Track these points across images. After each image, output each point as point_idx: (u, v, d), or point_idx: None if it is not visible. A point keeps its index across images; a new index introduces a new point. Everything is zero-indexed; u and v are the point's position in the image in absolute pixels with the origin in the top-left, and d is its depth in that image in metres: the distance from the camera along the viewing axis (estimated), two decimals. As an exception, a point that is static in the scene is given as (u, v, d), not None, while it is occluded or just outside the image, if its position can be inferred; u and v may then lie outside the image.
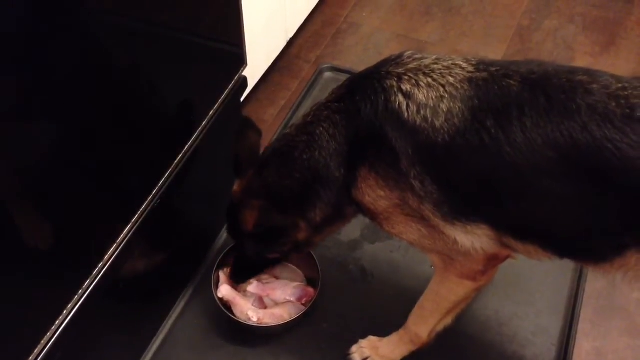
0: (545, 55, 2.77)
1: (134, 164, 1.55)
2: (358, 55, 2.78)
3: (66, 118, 1.26)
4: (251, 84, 2.24)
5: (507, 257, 1.47)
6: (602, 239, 1.27)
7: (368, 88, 1.34)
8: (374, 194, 1.37)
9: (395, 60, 1.37)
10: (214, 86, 1.77)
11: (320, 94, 2.48)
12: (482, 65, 1.31)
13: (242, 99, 2.00)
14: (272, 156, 1.49)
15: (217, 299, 1.81)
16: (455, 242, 1.36)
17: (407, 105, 1.29)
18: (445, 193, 1.30)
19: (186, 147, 1.66)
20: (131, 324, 1.75)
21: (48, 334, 1.33)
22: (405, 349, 1.72)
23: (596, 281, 1.97)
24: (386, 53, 2.73)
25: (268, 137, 2.38)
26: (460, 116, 1.25)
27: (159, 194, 1.58)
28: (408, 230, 1.41)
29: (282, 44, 2.66)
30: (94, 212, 1.44)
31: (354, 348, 1.77)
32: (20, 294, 1.27)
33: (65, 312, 1.36)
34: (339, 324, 1.86)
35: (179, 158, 1.63)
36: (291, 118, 2.38)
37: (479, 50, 2.79)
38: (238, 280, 1.80)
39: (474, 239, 1.34)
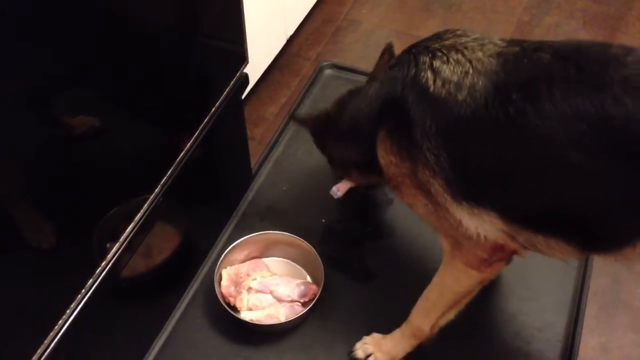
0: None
1: (135, 162, 1.55)
2: (358, 52, 2.77)
3: (65, 116, 1.25)
4: (251, 82, 2.23)
5: (514, 251, 1.45)
6: (632, 219, 1.23)
7: (405, 61, 1.40)
8: (387, 157, 1.43)
9: (439, 35, 1.41)
10: (215, 84, 1.76)
11: (320, 91, 2.47)
12: (515, 41, 1.33)
13: (242, 97, 2.00)
14: (352, 89, 1.67)
15: (220, 297, 1.80)
16: (460, 224, 1.35)
17: (434, 80, 1.31)
18: (459, 170, 1.30)
19: (188, 145, 1.65)
20: (134, 323, 1.74)
21: (51, 333, 1.32)
22: (408, 344, 1.71)
23: (601, 277, 1.97)
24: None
25: (268, 136, 2.38)
26: (483, 90, 1.25)
27: (161, 192, 1.57)
28: (416, 203, 1.44)
29: (281, 42, 2.65)
30: (96, 210, 1.43)
31: (358, 345, 1.76)
32: (22, 293, 1.27)
33: (68, 311, 1.35)
34: (342, 322, 1.85)
35: (181, 156, 1.63)
36: (292, 116, 2.37)
37: (480, 46, 2.78)
38: None
39: (478, 223, 1.33)
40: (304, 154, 2.26)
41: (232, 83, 1.79)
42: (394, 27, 2.90)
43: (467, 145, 1.30)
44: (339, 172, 1.81)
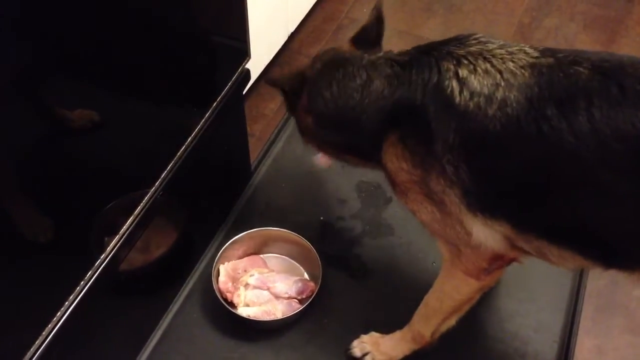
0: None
1: (135, 157, 1.54)
2: (359, 51, 2.77)
3: (64, 109, 1.25)
4: (252, 78, 2.23)
5: (513, 259, 1.44)
6: None
7: (425, 65, 1.31)
8: (397, 163, 1.36)
9: (461, 40, 1.33)
10: (218, 79, 1.76)
11: (321, 89, 2.46)
12: (548, 51, 1.26)
13: (243, 93, 1.99)
14: (336, 65, 1.49)
15: (217, 293, 1.80)
16: (470, 233, 1.32)
17: (461, 91, 1.25)
18: (478, 183, 1.25)
19: (189, 140, 1.65)
20: (131, 318, 1.74)
21: (48, 326, 1.31)
22: (407, 348, 1.71)
23: (597, 279, 1.97)
24: (387, 49, 2.74)
25: (268, 132, 2.37)
26: (515, 105, 1.20)
27: (161, 187, 1.56)
28: (421, 210, 1.39)
29: (283, 39, 2.65)
30: (95, 204, 1.43)
31: (355, 342, 1.76)
32: (20, 286, 1.26)
33: (66, 303, 1.34)
34: (339, 320, 1.84)
35: (181, 150, 1.62)
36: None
37: (480, 47, 2.79)
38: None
39: (489, 234, 1.31)
40: (304, 151, 2.24)
41: (234, 78, 1.79)
42: (395, 26, 2.90)
43: (494, 160, 1.25)
44: (308, 140, 1.67)
